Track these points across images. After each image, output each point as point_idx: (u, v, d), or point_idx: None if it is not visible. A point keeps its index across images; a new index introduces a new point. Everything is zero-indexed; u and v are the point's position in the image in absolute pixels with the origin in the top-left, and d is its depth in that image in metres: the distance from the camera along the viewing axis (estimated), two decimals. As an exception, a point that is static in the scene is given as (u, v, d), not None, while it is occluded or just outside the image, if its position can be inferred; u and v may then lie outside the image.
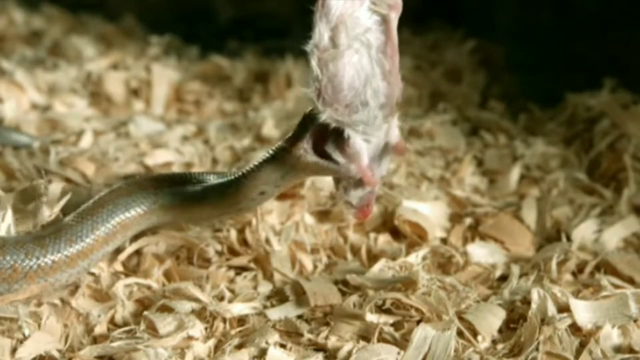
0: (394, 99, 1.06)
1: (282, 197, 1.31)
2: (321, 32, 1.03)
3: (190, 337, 1.06)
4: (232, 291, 1.17)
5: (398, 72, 1.06)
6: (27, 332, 1.05)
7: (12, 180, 1.38)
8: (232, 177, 1.18)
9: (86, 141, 1.55)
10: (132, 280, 1.17)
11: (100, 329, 1.10)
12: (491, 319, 1.10)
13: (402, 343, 1.06)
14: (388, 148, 1.08)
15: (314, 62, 1.03)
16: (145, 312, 1.09)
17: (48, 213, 1.18)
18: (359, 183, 1.09)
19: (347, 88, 1.03)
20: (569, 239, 1.30)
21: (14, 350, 1.03)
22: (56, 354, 1.04)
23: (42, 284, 1.11)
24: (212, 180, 1.21)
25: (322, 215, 1.32)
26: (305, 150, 1.08)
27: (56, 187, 1.25)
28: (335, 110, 1.03)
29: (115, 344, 1.04)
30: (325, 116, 1.04)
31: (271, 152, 1.13)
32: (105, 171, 1.43)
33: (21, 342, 1.04)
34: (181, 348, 1.05)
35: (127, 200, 1.19)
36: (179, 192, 1.21)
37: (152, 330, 1.07)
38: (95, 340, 1.08)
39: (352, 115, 1.04)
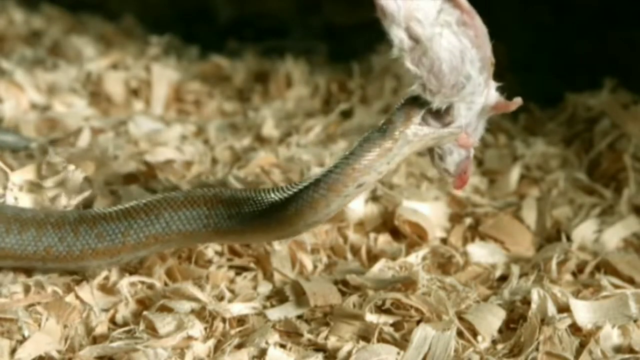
0: (488, 60, 1.11)
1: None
2: (398, 36, 1.05)
3: (189, 337, 1.06)
4: (232, 291, 1.17)
5: (483, 33, 1.11)
6: (26, 333, 1.05)
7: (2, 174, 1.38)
8: (307, 182, 1.10)
9: (84, 140, 1.54)
10: (136, 278, 1.17)
11: (100, 329, 1.09)
12: (491, 319, 1.10)
13: (402, 343, 1.06)
14: (485, 110, 1.11)
15: (408, 64, 1.05)
16: (145, 312, 1.09)
17: (65, 203, 1.19)
18: (454, 149, 1.12)
19: (448, 71, 1.06)
20: (569, 239, 1.30)
21: (13, 351, 1.03)
22: (55, 355, 1.04)
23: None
24: (275, 194, 1.13)
25: (322, 215, 1.31)
26: (420, 124, 1.08)
27: (77, 176, 1.25)
28: (444, 95, 1.06)
29: (114, 344, 1.04)
30: (437, 102, 1.06)
31: (374, 137, 1.09)
32: (105, 170, 1.43)
33: (21, 342, 1.04)
34: (181, 348, 1.05)
35: (173, 214, 1.15)
36: (236, 214, 1.14)
37: (152, 330, 1.07)
38: (94, 341, 1.08)
39: (460, 92, 1.07)
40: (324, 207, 1.08)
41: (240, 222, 1.12)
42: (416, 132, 1.08)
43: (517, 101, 1.12)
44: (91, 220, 1.14)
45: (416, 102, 1.08)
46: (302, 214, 1.08)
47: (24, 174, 1.22)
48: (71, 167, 1.23)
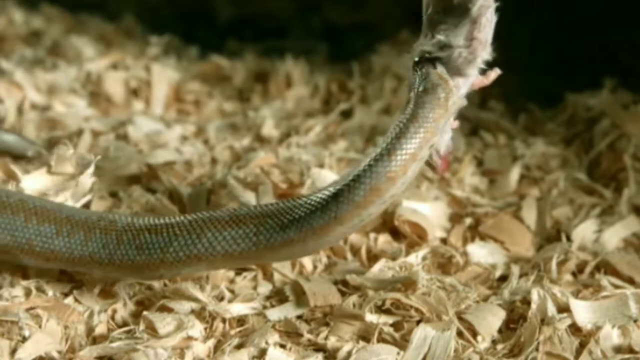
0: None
1: (282, 197, 1.31)
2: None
3: (189, 337, 1.06)
4: (231, 291, 1.17)
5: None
6: (27, 333, 1.05)
7: (13, 179, 1.38)
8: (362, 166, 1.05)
9: (85, 142, 1.54)
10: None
11: (99, 329, 1.09)
12: (491, 319, 1.10)
13: (401, 343, 1.06)
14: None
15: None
16: (145, 312, 1.09)
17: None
18: (445, 129, 1.11)
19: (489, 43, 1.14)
20: (569, 239, 1.30)
21: (13, 352, 1.03)
22: (56, 355, 1.04)
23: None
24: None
25: (322, 216, 1.31)
26: (456, 85, 1.10)
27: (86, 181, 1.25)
28: (475, 65, 1.13)
29: (114, 345, 1.04)
30: (467, 71, 1.11)
31: (426, 105, 1.07)
32: (105, 172, 1.43)
33: (22, 342, 1.04)
34: (181, 348, 1.05)
35: (217, 234, 1.10)
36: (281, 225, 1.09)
37: (152, 330, 1.07)
38: (94, 341, 1.08)
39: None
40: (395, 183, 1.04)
41: (294, 230, 1.07)
42: (460, 91, 1.10)
43: (495, 71, 1.13)
44: (137, 230, 1.11)
45: (434, 71, 1.09)
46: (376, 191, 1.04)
47: (35, 178, 1.22)
48: (88, 170, 1.22)
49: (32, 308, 1.09)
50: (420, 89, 1.07)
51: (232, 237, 1.08)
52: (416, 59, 1.11)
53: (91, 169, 1.22)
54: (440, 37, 1.08)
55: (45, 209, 1.12)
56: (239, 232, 1.08)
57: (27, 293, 1.12)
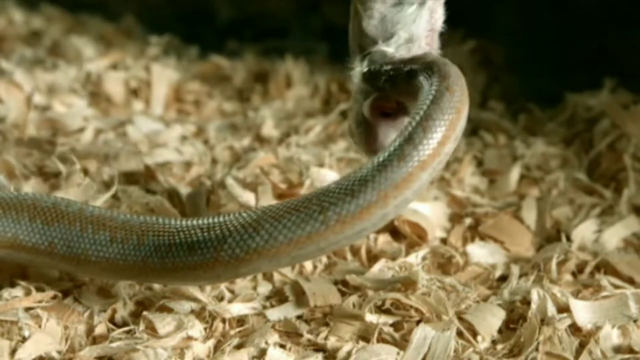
0: None
1: (281, 197, 1.31)
2: None
3: (189, 338, 1.06)
4: (231, 291, 1.17)
5: None
6: (27, 333, 1.05)
7: (12, 179, 1.38)
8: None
9: (86, 138, 1.55)
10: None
11: (99, 330, 1.09)
12: (491, 319, 1.10)
13: (401, 343, 1.06)
14: None
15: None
16: (145, 312, 1.09)
17: None
18: None
19: None
20: (569, 239, 1.30)
21: (13, 352, 1.03)
22: (56, 355, 1.04)
23: None
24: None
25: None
26: None
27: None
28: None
29: (114, 345, 1.04)
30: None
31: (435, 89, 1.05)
32: (105, 170, 1.43)
33: (22, 342, 1.04)
34: (180, 348, 1.05)
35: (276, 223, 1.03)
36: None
37: (152, 330, 1.07)
38: (94, 341, 1.08)
39: None
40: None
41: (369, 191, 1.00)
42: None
43: None
44: (189, 230, 1.05)
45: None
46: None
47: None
48: None
49: (31, 308, 1.09)
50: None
51: (294, 222, 1.01)
52: (367, 68, 1.10)
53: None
54: (399, 35, 1.07)
55: (102, 216, 1.08)
56: (300, 216, 1.01)
57: (27, 293, 1.12)
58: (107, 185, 1.39)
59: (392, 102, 1.08)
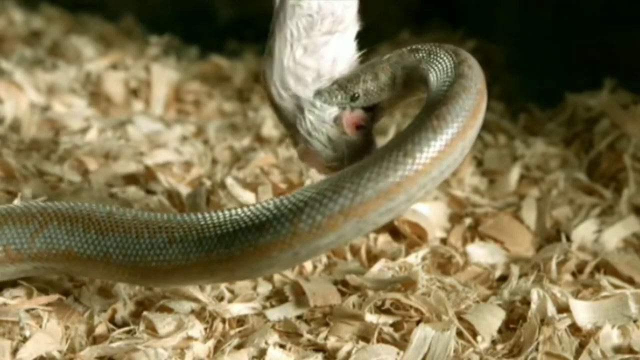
0: None
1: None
2: None
3: (189, 338, 1.06)
4: (231, 291, 1.17)
5: None
6: (27, 333, 1.05)
7: (12, 180, 1.38)
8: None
9: (87, 138, 1.55)
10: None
11: (99, 330, 1.09)
12: (491, 320, 1.10)
13: (401, 343, 1.06)
14: None
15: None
16: (145, 312, 1.09)
17: None
18: None
19: None
20: (568, 239, 1.30)
21: (14, 352, 1.03)
22: (57, 355, 1.04)
23: None
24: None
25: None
26: None
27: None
28: None
29: (115, 345, 1.04)
30: None
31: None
32: (104, 171, 1.43)
33: (23, 342, 1.04)
34: (181, 348, 1.05)
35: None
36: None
37: (152, 330, 1.07)
38: (94, 341, 1.08)
39: None
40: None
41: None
42: None
43: None
44: (253, 212, 1.00)
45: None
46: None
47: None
48: None
49: (32, 308, 1.09)
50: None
51: (379, 173, 0.95)
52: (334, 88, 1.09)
53: None
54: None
55: (157, 220, 1.05)
56: (384, 164, 0.95)
57: (29, 294, 1.12)
58: (107, 185, 1.39)
59: (366, 115, 1.08)
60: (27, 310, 1.08)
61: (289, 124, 1.08)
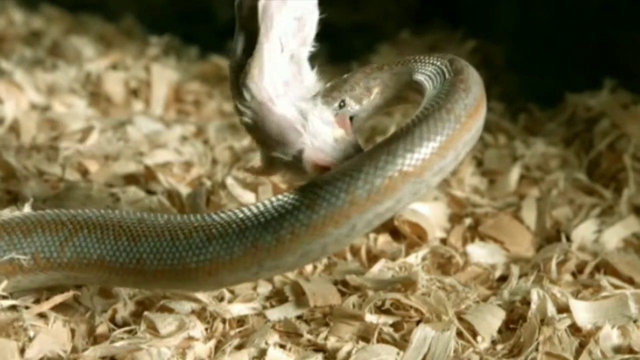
0: None
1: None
2: None
3: (191, 338, 1.06)
4: (231, 292, 1.17)
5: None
6: (32, 334, 1.04)
7: (12, 180, 1.38)
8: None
9: (86, 138, 1.55)
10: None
11: (101, 329, 1.09)
12: (491, 320, 1.10)
13: (401, 343, 1.06)
14: None
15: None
16: (146, 312, 1.09)
17: None
18: None
19: None
20: (568, 239, 1.30)
21: (22, 351, 1.02)
22: (62, 354, 1.03)
23: None
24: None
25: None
26: None
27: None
28: None
29: (118, 344, 1.04)
30: None
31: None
32: (104, 171, 1.43)
33: (30, 340, 1.03)
34: (182, 348, 1.05)
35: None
36: None
37: (153, 329, 1.06)
38: (95, 340, 1.08)
39: None
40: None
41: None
42: None
43: None
44: (299, 194, 0.98)
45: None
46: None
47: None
48: None
49: (42, 314, 1.08)
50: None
51: (436, 127, 0.96)
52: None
53: None
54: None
55: (192, 221, 1.02)
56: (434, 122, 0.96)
57: (38, 297, 1.11)
58: (107, 185, 1.39)
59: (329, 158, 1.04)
60: (40, 315, 1.07)
61: (271, 133, 1.04)
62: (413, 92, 1.08)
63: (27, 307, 1.05)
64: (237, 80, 1.07)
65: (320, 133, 1.04)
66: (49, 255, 1.04)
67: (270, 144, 1.04)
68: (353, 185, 0.94)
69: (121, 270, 1.03)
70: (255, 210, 1.00)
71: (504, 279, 1.22)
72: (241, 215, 1.00)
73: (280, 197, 1.01)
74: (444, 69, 1.04)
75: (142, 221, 1.04)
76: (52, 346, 1.03)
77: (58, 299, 1.07)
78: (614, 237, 1.31)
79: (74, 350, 1.05)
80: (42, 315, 1.07)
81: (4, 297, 1.04)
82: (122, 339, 1.05)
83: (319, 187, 0.96)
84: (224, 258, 0.99)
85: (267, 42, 1.04)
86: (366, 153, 0.99)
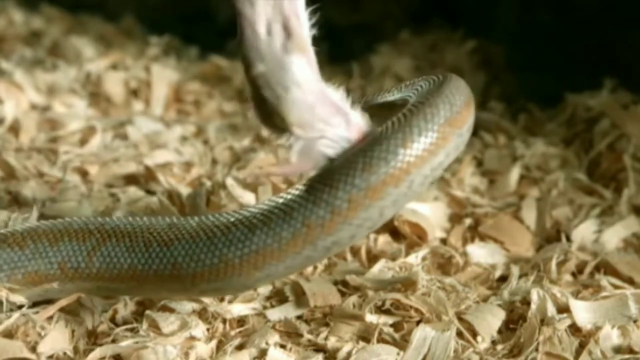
0: None
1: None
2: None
3: (192, 337, 1.06)
4: (232, 292, 1.17)
5: None
6: (42, 333, 1.04)
7: (12, 180, 1.38)
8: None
9: (86, 138, 1.55)
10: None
11: (102, 329, 1.09)
12: (491, 320, 1.10)
13: (401, 344, 1.06)
14: None
15: None
16: (148, 312, 1.09)
17: None
18: None
19: None
20: (568, 239, 1.30)
21: (33, 349, 1.02)
22: (69, 353, 1.03)
23: None
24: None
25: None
26: None
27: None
28: None
29: (124, 343, 1.03)
30: None
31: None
32: (105, 172, 1.43)
33: (42, 337, 1.03)
34: (185, 348, 1.05)
35: None
36: None
37: (155, 328, 1.06)
38: (97, 340, 1.07)
39: None
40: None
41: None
42: None
43: None
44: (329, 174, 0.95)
45: None
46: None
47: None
48: None
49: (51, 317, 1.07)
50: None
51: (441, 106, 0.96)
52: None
53: None
54: None
55: (228, 218, 0.98)
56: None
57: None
58: (107, 186, 1.40)
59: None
60: (49, 319, 1.06)
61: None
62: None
63: (36, 312, 1.05)
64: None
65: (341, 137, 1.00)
66: (76, 265, 1.01)
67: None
68: (410, 138, 0.94)
69: (155, 277, 0.99)
70: (297, 192, 0.96)
71: (504, 279, 1.22)
72: (281, 200, 0.96)
73: (317, 175, 0.96)
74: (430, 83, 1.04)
75: (173, 225, 1.00)
76: (62, 345, 1.03)
77: (63, 302, 1.07)
78: (614, 237, 1.31)
79: (76, 350, 1.05)
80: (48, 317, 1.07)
81: (19, 307, 1.03)
82: (125, 337, 1.05)
83: (373, 149, 0.93)
84: (271, 246, 0.94)
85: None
86: (405, 117, 0.97)
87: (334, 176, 0.94)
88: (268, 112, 0.96)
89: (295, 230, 0.93)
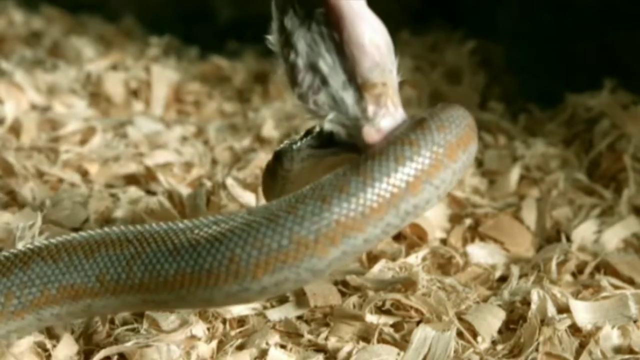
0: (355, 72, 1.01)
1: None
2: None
3: (193, 337, 1.06)
4: (232, 292, 1.17)
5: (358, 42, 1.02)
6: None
7: (12, 180, 1.38)
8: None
9: (87, 139, 1.55)
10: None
11: (102, 329, 1.09)
12: (491, 320, 1.10)
13: (401, 344, 1.06)
14: None
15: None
16: (147, 312, 1.09)
17: None
18: None
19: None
20: (568, 239, 1.30)
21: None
22: (73, 354, 1.03)
23: None
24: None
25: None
26: None
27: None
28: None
29: (128, 343, 1.03)
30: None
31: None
32: (105, 172, 1.43)
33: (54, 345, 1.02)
34: (186, 348, 1.05)
35: None
36: None
37: (156, 327, 1.06)
38: (98, 340, 1.07)
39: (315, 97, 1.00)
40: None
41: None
42: None
43: None
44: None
45: None
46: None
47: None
48: None
49: None
50: None
51: None
52: None
53: None
54: None
55: (258, 212, 0.92)
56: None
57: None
58: (108, 186, 1.40)
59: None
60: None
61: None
62: None
63: None
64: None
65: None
66: (116, 276, 0.94)
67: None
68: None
69: (210, 278, 0.90)
70: (336, 176, 0.93)
71: (504, 279, 1.22)
72: (315, 196, 0.91)
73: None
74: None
75: (218, 222, 0.93)
76: (72, 347, 1.03)
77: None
78: (614, 237, 1.31)
79: (77, 351, 1.05)
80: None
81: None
82: (126, 337, 1.05)
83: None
84: (307, 238, 0.89)
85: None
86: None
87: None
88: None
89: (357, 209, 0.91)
